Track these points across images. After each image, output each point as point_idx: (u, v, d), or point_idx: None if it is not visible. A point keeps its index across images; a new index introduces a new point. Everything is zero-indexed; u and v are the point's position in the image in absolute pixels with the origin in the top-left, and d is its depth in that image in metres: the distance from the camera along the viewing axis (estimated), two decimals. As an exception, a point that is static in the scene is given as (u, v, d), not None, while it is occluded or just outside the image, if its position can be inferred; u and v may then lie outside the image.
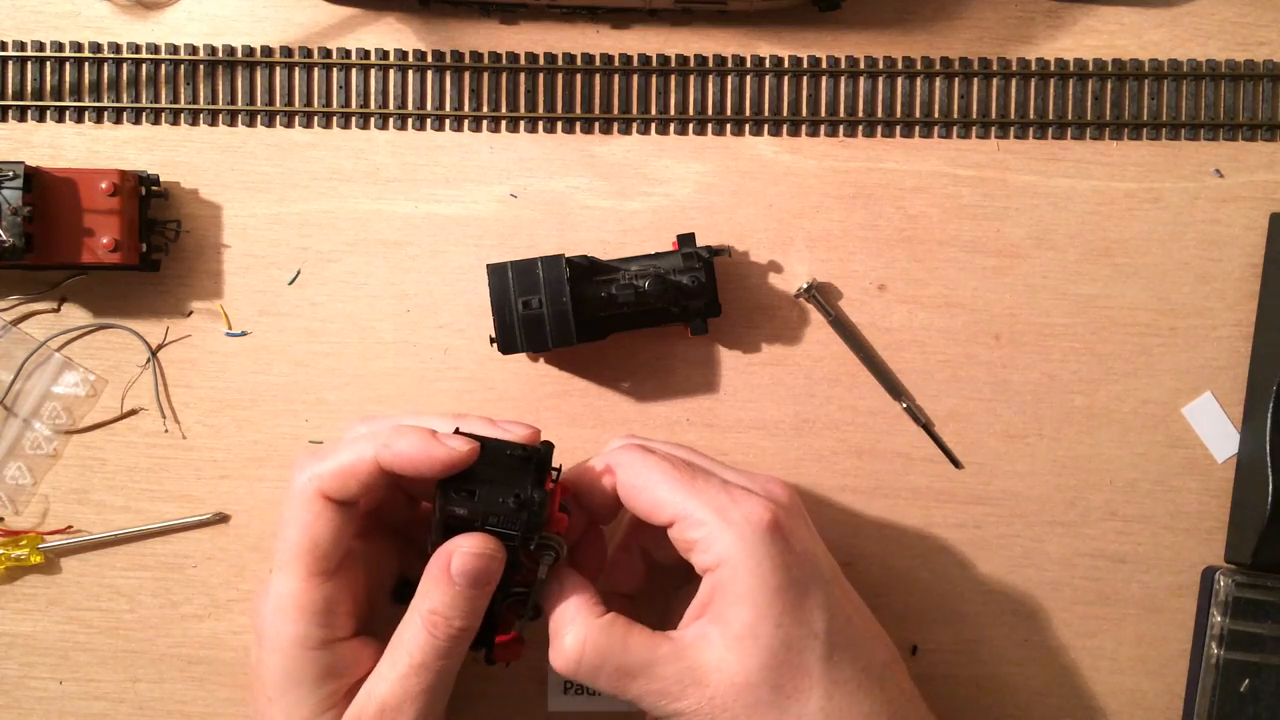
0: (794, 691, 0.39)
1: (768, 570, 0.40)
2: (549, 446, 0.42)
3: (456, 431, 0.41)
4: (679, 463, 0.43)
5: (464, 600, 0.40)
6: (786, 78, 0.53)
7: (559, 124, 0.53)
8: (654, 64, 0.53)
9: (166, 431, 0.52)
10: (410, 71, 0.53)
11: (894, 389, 0.53)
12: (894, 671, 0.42)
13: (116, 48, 0.52)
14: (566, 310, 0.48)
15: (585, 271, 0.49)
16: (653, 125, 0.53)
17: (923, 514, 0.52)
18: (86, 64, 0.52)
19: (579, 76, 0.53)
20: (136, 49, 0.52)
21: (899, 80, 0.53)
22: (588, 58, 0.53)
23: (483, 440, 0.41)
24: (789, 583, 0.40)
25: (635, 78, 0.53)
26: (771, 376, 0.53)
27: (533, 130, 0.53)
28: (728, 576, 0.40)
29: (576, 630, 0.41)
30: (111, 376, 0.52)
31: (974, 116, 0.53)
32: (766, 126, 0.53)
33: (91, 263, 0.48)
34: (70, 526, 0.51)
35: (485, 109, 0.53)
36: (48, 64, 0.52)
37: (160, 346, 0.52)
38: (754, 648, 0.39)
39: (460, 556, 0.40)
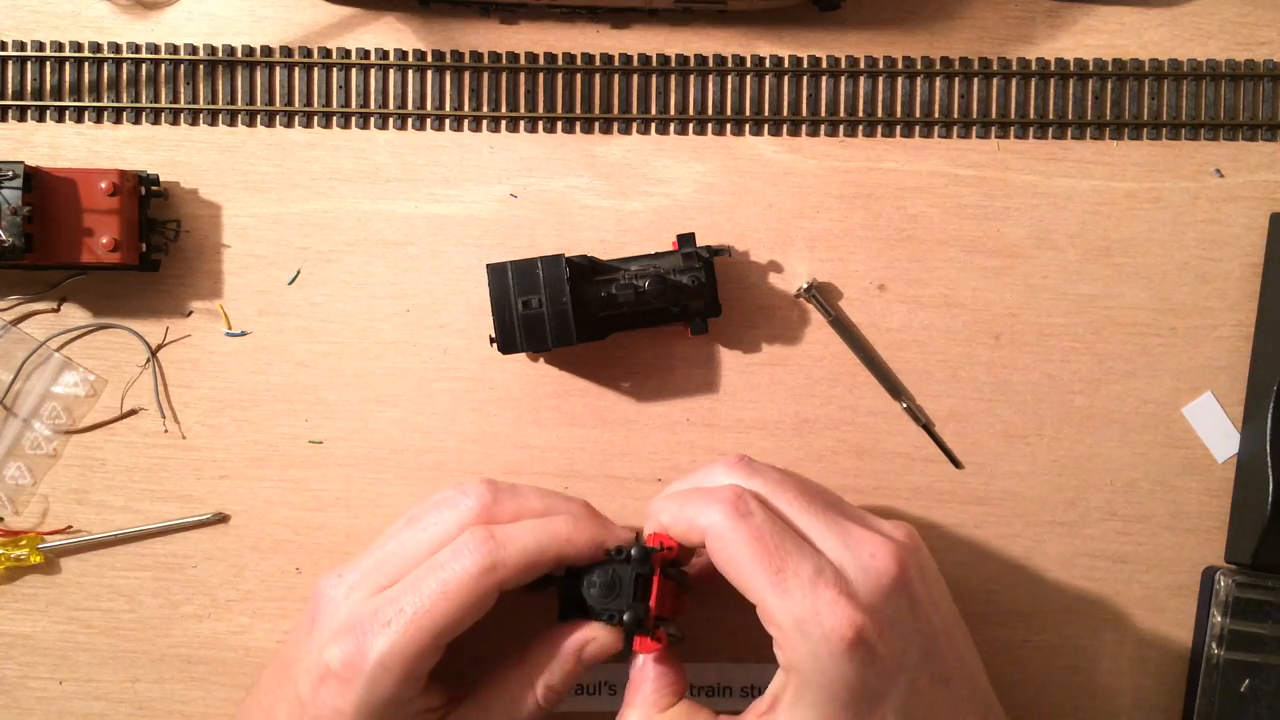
0: None
1: (839, 689, 0.38)
2: (645, 553, 0.43)
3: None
4: (771, 539, 0.40)
5: (576, 678, 0.43)
6: (786, 78, 0.53)
7: (559, 124, 0.53)
8: (654, 64, 0.53)
9: (166, 431, 0.52)
10: (410, 71, 0.52)
11: (894, 389, 0.52)
12: None
13: (116, 48, 0.52)
14: (566, 310, 0.48)
15: (585, 271, 0.49)
16: (653, 125, 0.53)
17: (923, 514, 0.52)
18: (86, 64, 0.52)
19: (579, 76, 0.53)
20: (136, 49, 0.52)
21: (899, 80, 0.53)
22: (588, 58, 0.53)
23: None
24: (863, 695, 0.39)
25: (635, 78, 0.53)
26: (771, 376, 0.53)
27: (533, 130, 0.53)
28: (798, 683, 0.39)
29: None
30: (111, 376, 0.52)
31: (974, 116, 0.53)
32: (766, 126, 0.53)
33: (91, 262, 0.48)
34: (70, 526, 0.51)
35: (485, 109, 0.53)
36: (48, 64, 0.52)
37: (160, 346, 0.52)
38: None
39: (594, 646, 0.43)
